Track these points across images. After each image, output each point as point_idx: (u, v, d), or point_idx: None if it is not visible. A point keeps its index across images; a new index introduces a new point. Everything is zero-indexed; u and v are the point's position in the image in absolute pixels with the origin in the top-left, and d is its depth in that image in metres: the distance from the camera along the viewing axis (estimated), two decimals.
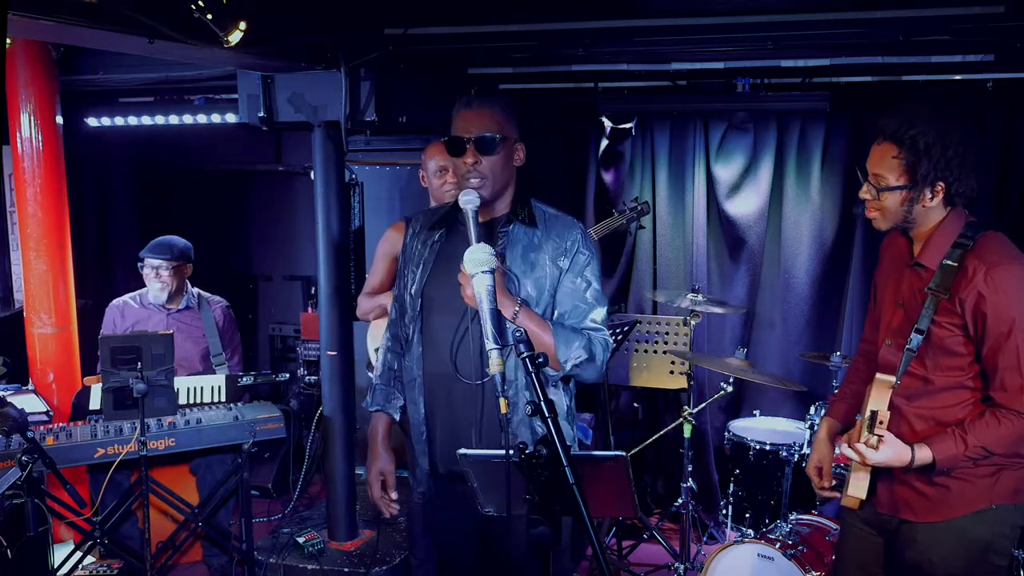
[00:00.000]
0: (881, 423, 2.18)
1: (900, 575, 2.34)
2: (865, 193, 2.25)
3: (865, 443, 2.19)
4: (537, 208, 2.36)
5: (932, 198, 2.18)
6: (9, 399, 3.41)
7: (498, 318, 1.93)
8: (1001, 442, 2.14)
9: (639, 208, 4.22)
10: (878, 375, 2.28)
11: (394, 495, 2.52)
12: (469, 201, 2.18)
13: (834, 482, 2.48)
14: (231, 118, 4.85)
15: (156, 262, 4.10)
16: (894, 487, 2.31)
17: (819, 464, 2.53)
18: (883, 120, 2.19)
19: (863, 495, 2.31)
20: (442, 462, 2.37)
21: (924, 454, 2.17)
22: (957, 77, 4.02)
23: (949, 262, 2.18)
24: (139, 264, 4.15)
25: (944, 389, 2.23)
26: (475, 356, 2.25)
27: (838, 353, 3.76)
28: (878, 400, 2.25)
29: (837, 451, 3.12)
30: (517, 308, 2.18)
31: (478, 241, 2.13)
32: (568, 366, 2.23)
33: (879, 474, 2.31)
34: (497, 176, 2.26)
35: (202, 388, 3.96)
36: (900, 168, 2.17)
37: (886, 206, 2.22)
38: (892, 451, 2.18)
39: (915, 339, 2.22)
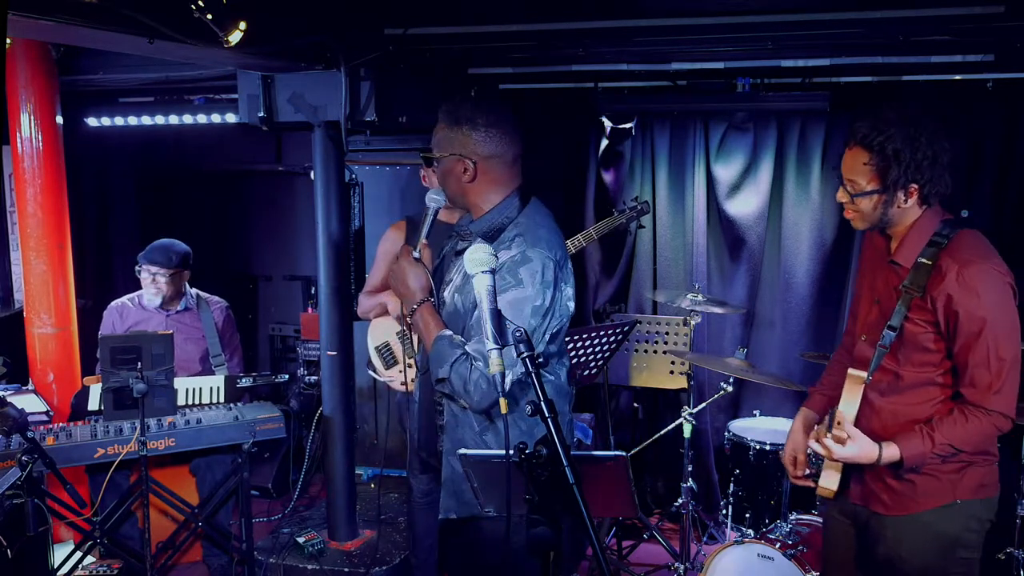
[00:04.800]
0: (839, 424, 2.22)
1: (872, 568, 2.38)
2: (841, 196, 2.29)
3: (833, 439, 2.23)
4: (516, 225, 2.26)
5: (906, 200, 2.20)
6: (9, 399, 3.42)
7: (498, 318, 1.93)
8: (968, 439, 2.17)
9: (639, 207, 4.22)
10: (851, 371, 2.32)
11: None
12: (434, 200, 2.34)
13: (809, 471, 2.49)
14: (231, 118, 4.84)
15: (154, 269, 4.06)
16: (864, 479, 2.35)
17: (793, 453, 2.54)
18: (855, 124, 2.21)
19: (835, 487, 2.35)
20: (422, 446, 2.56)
21: (891, 452, 2.20)
22: (957, 77, 4.02)
23: (923, 260, 2.20)
24: (136, 268, 4.13)
25: (914, 385, 2.26)
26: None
27: None
28: (850, 395, 2.29)
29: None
30: (416, 305, 2.27)
31: (427, 235, 2.32)
32: (434, 381, 2.25)
33: (851, 467, 2.34)
34: (445, 186, 2.35)
35: (201, 389, 3.95)
36: (871, 173, 2.19)
37: (862, 209, 2.25)
38: (858, 448, 2.21)
39: (887, 336, 2.24)
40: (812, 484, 2.45)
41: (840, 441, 2.21)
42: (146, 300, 4.15)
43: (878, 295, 2.34)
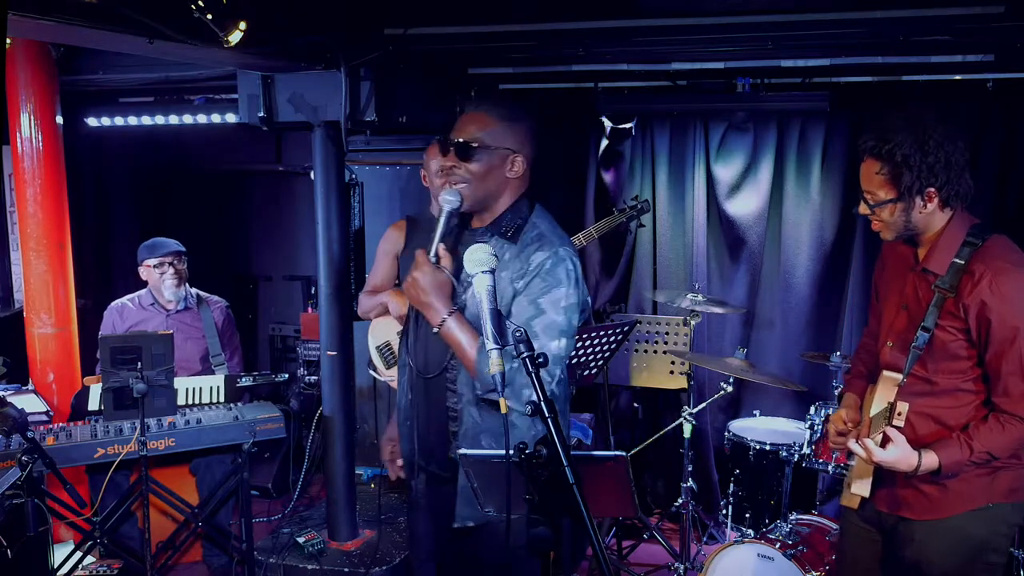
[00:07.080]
0: (900, 415, 2.13)
1: (898, 573, 2.36)
2: (863, 209, 2.28)
3: (882, 433, 2.17)
4: (534, 225, 2.26)
5: (926, 205, 2.19)
6: (9, 399, 3.42)
7: (498, 318, 1.93)
8: (1005, 447, 2.18)
9: (639, 206, 4.22)
10: (885, 372, 2.30)
11: (400, 462, 2.56)
12: (448, 202, 2.21)
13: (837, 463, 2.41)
14: (231, 118, 4.84)
15: (168, 257, 4.10)
16: (895, 485, 2.32)
17: (844, 417, 2.46)
18: (863, 137, 2.21)
19: (866, 493, 2.33)
20: (418, 453, 2.46)
21: (930, 459, 2.18)
22: (957, 77, 4.02)
23: (958, 260, 2.19)
24: (144, 266, 4.13)
25: (946, 391, 2.25)
26: (436, 352, 2.29)
27: (838, 353, 3.76)
28: (884, 398, 2.26)
29: (835, 453, 3.10)
30: (446, 316, 2.18)
31: (441, 240, 2.21)
32: (480, 392, 2.21)
33: (881, 472, 2.32)
34: (478, 184, 2.23)
35: (201, 389, 3.96)
36: (885, 183, 2.19)
37: (885, 219, 2.24)
38: (900, 452, 2.18)
39: (921, 337, 2.23)
40: (845, 444, 2.38)
41: (890, 437, 2.16)
42: (169, 295, 4.16)
43: (906, 301, 2.32)
